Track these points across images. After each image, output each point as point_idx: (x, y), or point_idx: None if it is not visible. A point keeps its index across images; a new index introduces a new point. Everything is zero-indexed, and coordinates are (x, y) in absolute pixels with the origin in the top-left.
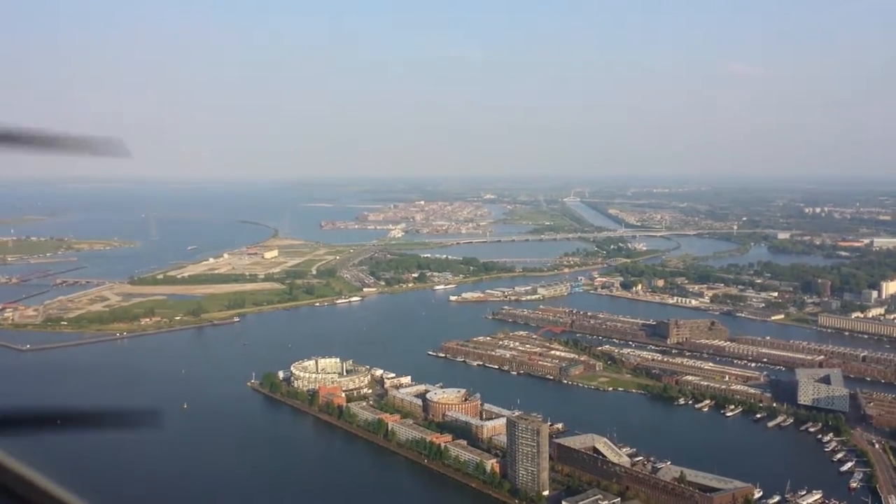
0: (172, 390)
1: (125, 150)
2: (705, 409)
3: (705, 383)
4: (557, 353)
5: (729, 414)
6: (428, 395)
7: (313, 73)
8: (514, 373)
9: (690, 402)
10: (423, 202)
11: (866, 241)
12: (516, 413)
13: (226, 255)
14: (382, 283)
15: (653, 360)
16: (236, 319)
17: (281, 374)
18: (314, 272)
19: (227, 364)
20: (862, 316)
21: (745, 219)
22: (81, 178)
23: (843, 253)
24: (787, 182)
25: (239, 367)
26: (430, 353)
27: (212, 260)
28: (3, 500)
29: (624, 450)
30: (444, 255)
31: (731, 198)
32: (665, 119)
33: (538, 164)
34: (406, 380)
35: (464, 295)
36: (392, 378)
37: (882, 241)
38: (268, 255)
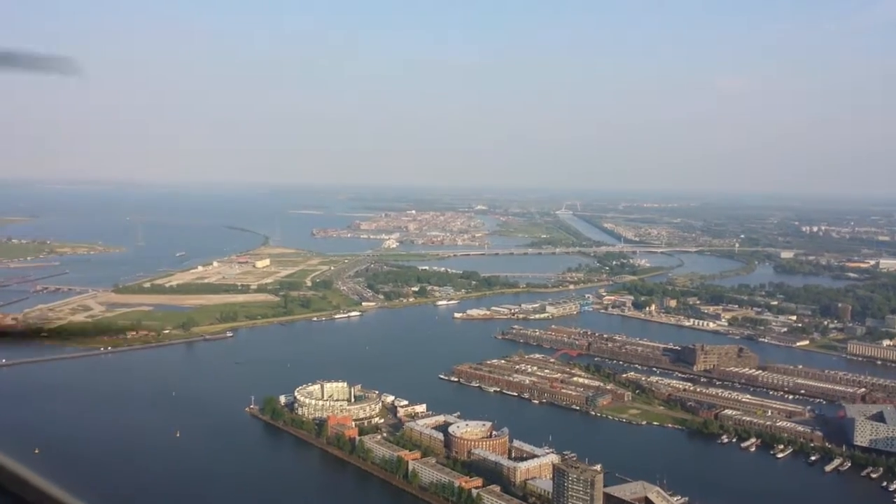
0: (163, 415)
1: (75, 67)
2: (752, 449)
3: (748, 418)
4: (580, 379)
5: (780, 455)
6: (450, 429)
7: (301, 79)
8: (536, 401)
9: (734, 439)
10: (414, 211)
11: (872, 261)
12: (548, 451)
13: (215, 263)
14: (381, 296)
15: (685, 390)
16: (229, 334)
17: (283, 399)
18: (309, 283)
19: (221, 385)
20: (892, 343)
21: (742, 236)
22: (64, 180)
23: (852, 274)
24: (774, 199)
25: (235, 388)
26: (441, 376)
27: (200, 268)
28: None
29: (676, 498)
30: (443, 268)
31: (723, 214)
32: (653, 134)
33: (526, 176)
34: (421, 408)
35: (469, 312)
36: (405, 406)
37: (888, 263)
38: (259, 263)
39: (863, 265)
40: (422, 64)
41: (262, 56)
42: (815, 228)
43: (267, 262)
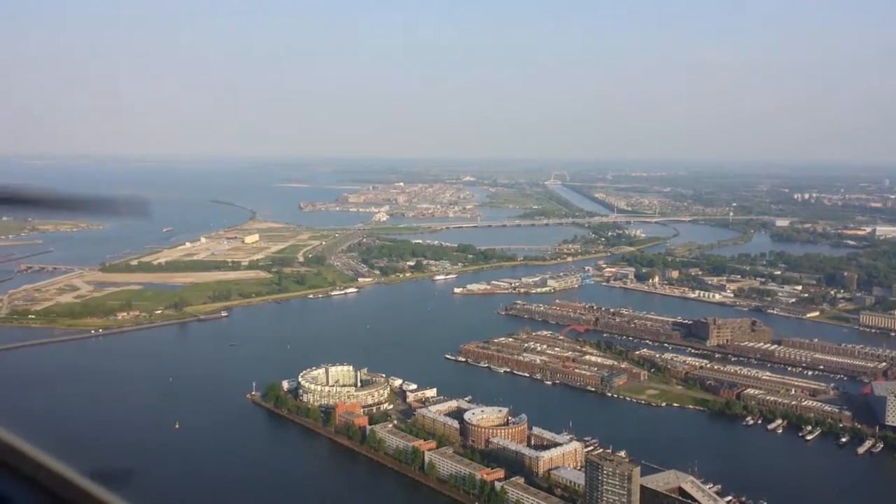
0: (160, 404)
1: (148, 210)
2: (779, 431)
3: (771, 398)
4: (593, 358)
5: (808, 437)
6: (466, 416)
7: (282, 52)
8: (549, 382)
9: (759, 421)
10: (402, 184)
11: (868, 229)
12: (569, 437)
13: (203, 240)
14: (377, 271)
15: (702, 368)
16: (224, 314)
17: (286, 385)
18: (301, 259)
19: (220, 369)
20: None
21: (735, 204)
22: (42, 156)
23: (850, 242)
24: (761, 167)
25: (234, 372)
26: (447, 356)
27: (188, 244)
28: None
29: (709, 486)
30: (437, 241)
31: (712, 183)
32: (639, 105)
33: (511, 147)
34: (431, 393)
35: (468, 287)
36: (414, 390)
37: (884, 230)
38: (248, 239)
39: (860, 232)
40: (406, 39)
41: (245, 31)
42: (806, 196)
43: (256, 237)
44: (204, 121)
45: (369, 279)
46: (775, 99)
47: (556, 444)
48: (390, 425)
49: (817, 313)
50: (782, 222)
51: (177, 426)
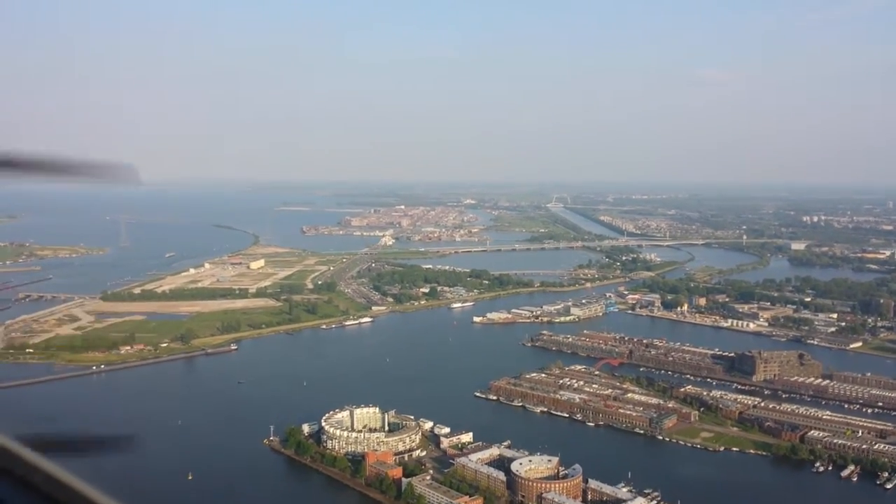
0: (170, 451)
1: (136, 175)
2: (854, 479)
3: (839, 441)
4: (635, 396)
5: (888, 486)
6: (513, 467)
7: (278, 73)
8: (591, 423)
9: (830, 467)
10: (403, 207)
11: (887, 252)
12: (628, 491)
13: (207, 265)
14: (390, 299)
15: (755, 406)
16: (233, 346)
17: (306, 429)
18: (310, 286)
19: (232, 410)
20: None
21: (744, 227)
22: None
23: (873, 266)
24: (762, 189)
25: (248, 414)
26: (477, 394)
27: (192, 270)
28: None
29: None
30: (448, 266)
31: (716, 205)
32: (635, 126)
33: (508, 169)
34: (467, 437)
35: (488, 315)
36: (447, 435)
37: None
38: (254, 265)
39: (880, 256)
40: (401, 58)
41: (239, 52)
42: (815, 218)
43: (262, 262)
44: (198, 143)
45: (383, 307)
46: (773, 119)
47: (617, 501)
48: (428, 478)
49: (860, 343)
50: (798, 245)
51: (190, 478)
